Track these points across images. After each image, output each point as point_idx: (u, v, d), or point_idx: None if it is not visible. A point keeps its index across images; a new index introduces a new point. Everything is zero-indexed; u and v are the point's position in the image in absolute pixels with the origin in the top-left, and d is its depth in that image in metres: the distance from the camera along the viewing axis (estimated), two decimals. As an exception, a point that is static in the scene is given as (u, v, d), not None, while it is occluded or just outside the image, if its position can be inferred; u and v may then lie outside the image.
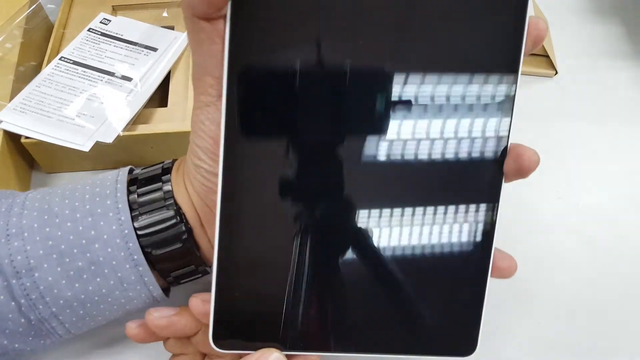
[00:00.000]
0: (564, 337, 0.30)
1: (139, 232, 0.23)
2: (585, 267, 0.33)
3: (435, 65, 0.19)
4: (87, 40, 0.38)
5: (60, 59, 0.36)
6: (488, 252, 0.21)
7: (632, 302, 0.31)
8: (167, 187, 0.24)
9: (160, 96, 0.37)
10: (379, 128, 0.20)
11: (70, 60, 0.36)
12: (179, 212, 0.23)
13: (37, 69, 0.37)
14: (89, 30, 0.38)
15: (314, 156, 0.20)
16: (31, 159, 0.35)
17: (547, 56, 0.43)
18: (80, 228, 0.22)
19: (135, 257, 0.23)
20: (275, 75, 0.19)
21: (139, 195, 0.24)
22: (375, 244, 0.21)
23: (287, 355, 0.21)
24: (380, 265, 0.21)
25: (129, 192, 0.24)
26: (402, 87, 0.19)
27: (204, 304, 0.22)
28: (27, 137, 0.33)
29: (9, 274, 0.22)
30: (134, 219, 0.23)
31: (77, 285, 0.22)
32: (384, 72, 0.19)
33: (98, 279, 0.23)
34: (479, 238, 0.21)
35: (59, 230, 0.22)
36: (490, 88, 0.20)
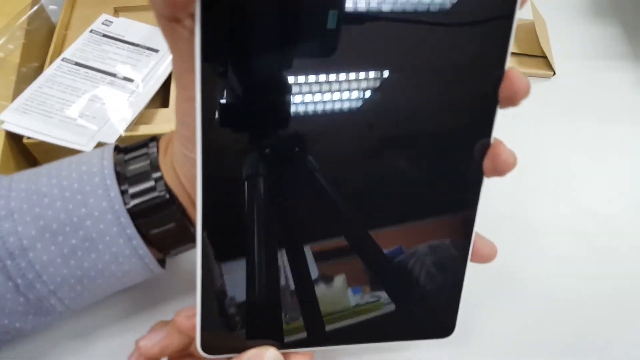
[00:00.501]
0: (563, 337, 0.30)
1: (132, 212, 0.23)
2: (583, 267, 0.33)
3: (416, 61, 0.19)
4: (89, 41, 0.38)
5: (62, 60, 0.36)
6: (468, 238, 0.22)
7: (631, 301, 0.32)
8: (156, 171, 0.24)
9: (161, 97, 0.37)
10: (356, 120, 0.20)
11: (72, 61, 0.36)
12: (169, 192, 0.24)
13: (39, 70, 0.37)
14: (90, 31, 0.39)
15: (287, 153, 0.20)
16: (33, 159, 0.35)
17: (545, 57, 0.43)
18: (71, 206, 0.23)
19: (128, 231, 0.23)
20: (246, 70, 0.19)
21: (127, 175, 0.24)
22: (356, 232, 0.21)
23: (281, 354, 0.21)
24: (360, 253, 0.21)
25: (117, 172, 0.24)
26: (379, 82, 0.19)
27: (189, 319, 0.22)
28: (29, 138, 0.33)
29: (2, 255, 0.22)
30: (124, 197, 0.23)
31: (72, 262, 0.23)
32: (362, 66, 0.19)
33: (93, 255, 0.23)
34: (459, 225, 0.22)
35: (49, 209, 0.23)
36: (474, 86, 0.20)
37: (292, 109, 0.20)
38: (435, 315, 0.23)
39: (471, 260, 0.22)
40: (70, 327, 0.29)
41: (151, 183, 0.24)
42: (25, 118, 0.33)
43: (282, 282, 0.21)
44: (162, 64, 0.37)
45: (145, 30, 0.39)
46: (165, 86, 0.37)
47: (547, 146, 0.39)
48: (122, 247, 0.23)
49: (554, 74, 0.43)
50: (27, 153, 0.34)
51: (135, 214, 0.23)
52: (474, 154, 0.21)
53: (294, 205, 0.21)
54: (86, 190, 0.23)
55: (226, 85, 0.19)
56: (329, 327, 0.22)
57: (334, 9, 0.18)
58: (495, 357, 0.30)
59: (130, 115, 0.34)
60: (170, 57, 0.37)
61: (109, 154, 0.24)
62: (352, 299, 0.22)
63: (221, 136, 0.20)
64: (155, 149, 0.25)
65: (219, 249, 0.21)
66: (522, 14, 0.46)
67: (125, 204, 0.23)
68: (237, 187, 0.20)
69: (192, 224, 0.25)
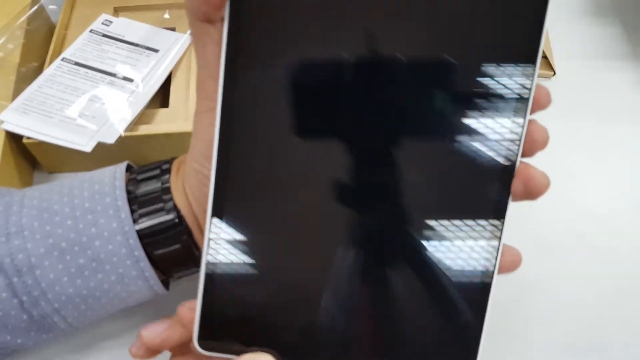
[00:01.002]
0: (563, 337, 0.30)
1: (140, 232, 0.23)
2: (583, 267, 0.33)
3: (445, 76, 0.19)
4: (89, 41, 0.38)
5: (62, 59, 0.36)
6: (491, 271, 0.20)
7: (631, 301, 0.32)
8: (166, 192, 0.24)
9: (161, 97, 0.37)
10: (382, 138, 0.19)
11: (72, 61, 0.36)
12: (178, 213, 0.24)
13: (39, 70, 0.37)
14: (90, 31, 0.39)
15: (310, 167, 0.19)
16: (33, 159, 0.35)
17: (545, 57, 0.43)
18: (81, 226, 0.23)
19: (136, 253, 0.23)
20: (273, 79, 0.19)
21: (138, 196, 0.24)
22: (377, 254, 0.20)
23: None
24: (380, 277, 0.20)
25: (128, 192, 0.24)
26: (408, 94, 0.19)
27: (191, 311, 0.21)
28: (29, 138, 0.33)
29: (10, 272, 0.22)
30: (134, 217, 0.23)
31: (78, 281, 0.23)
32: (389, 77, 0.19)
33: (99, 275, 0.23)
34: (481, 258, 0.20)
35: (60, 228, 0.23)
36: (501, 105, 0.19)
37: (325, 124, 0.19)
38: (454, 349, 0.20)
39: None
40: (70, 341, 0.29)
41: (161, 205, 0.23)
42: (25, 118, 0.33)
43: (289, 288, 0.20)
44: (162, 64, 0.37)
45: (145, 30, 0.39)
46: (165, 86, 0.37)
47: (547, 146, 0.39)
48: (129, 268, 0.23)
49: (554, 73, 0.43)
50: (27, 153, 0.34)
51: (143, 235, 0.23)
52: (499, 181, 0.19)
53: (302, 217, 0.20)
54: (97, 210, 0.23)
55: (251, 94, 0.19)
56: (339, 346, 0.20)
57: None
58: (494, 355, 0.29)
59: (130, 115, 0.34)
60: (170, 57, 0.37)
61: (120, 174, 0.24)
62: (366, 319, 0.20)
63: (237, 147, 0.19)
64: (167, 171, 0.24)
65: (225, 247, 0.20)
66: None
67: (134, 225, 0.23)
68: (249, 191, 0.20)
69: (197, 247, 0.24)
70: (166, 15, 0.41)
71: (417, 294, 0.20)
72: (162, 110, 0.36)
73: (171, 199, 0.24)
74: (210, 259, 0.20)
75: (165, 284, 0.26)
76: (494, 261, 0.20)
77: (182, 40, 0.39)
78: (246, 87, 0.19)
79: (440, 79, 0.19)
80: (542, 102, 0.20)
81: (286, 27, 0.19)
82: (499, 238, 0.20)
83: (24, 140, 0.33)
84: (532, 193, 0.20)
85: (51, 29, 0.40)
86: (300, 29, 0.19)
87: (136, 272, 0.23)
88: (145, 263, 0.23)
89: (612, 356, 0.30)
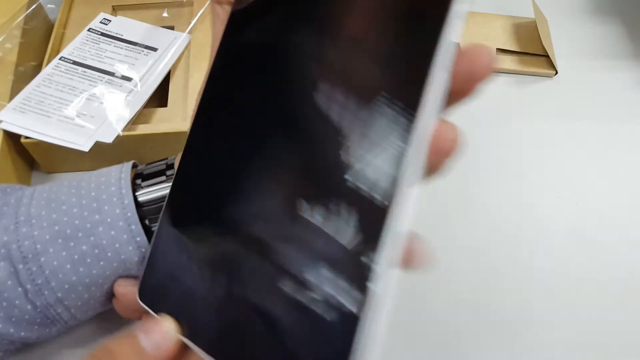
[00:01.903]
0: (563, 337, 0.30)
1: (142, 205, 0.24)
2: (584, 267, 0.33)
3: None
4: (87, 40, 0.38)
5: (60, 59, 0.36)
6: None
7: (632, 302, 0.31)
8: (171, 179, 0.24)
9: (160, 96, 0.37)
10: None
11: (70, 60, 0.36)
12: None
13: (37, 69, 0.36)
14: (89, 30, 0.38)
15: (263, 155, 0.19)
16: (31, 159, 0.35)
17: (547, 56, 0.43)
18: (86, 213, 0.23)
19: (138, 238, 0.23)
20: (264, 59, 0.19)
21: (143, 180, 0.25)
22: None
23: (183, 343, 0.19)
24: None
25: (134, 184, 0.25)
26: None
27: (122, 287, 0.23)
28: (27, 137, 0.33)
29: (16, 259, 0.22)
30: (137, 202, 0.24)
31: (81, 269, 0.23)
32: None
33: (101, 262, 0.23)
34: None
35: (66, 216, 0.23)
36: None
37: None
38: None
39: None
40: (73, 336, 0.29)
41: (164, 185, 0.24)
42: (23, 117, 0.33)
43: (221, 275, 0.19)
44: (160, 63, 0.37)
45: (143, 28, 0.39)
46: (164, 85, 0.36)
47: (549, 145, 0.39)
48: (131, 254, 0.23)
49: (556, 72, 0.43)
50: (25, 152, 0.34)
51: (144, 216, 0.24)
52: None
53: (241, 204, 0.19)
54: (102, 198, 0.24)
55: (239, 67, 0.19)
56: (231, 341, 0.18)
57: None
58: (494, 355, 0.29)
59: (128, 114, 0.33)
60: (168, 56, 0.37)
61: (127, 167, 0.25)
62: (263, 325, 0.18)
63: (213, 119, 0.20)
64: (172, 166, 0.25)
65: (180, 213, 0.20)
66: (523, 13, 0.46)
67: (137, 205, 0.24)
68: (214, 160, 0.20)
69: None
70: (165, 14, 0.41)
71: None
72: (161, 110, 0.35)
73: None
74: (164, 220, 0.20)
75: None
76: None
77: (180, 39, 0.38)
78: (235, 63, 0.20)
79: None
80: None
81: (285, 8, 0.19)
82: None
83: (22, 140, 0.33)
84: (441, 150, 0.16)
85: (49, 28, 0.40)
86: (297, 14, 0.19)
87: (138, 258, 0.23)
88: (147, 249, 0.23)
89: (614, 356, 0.29)
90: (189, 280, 0.19)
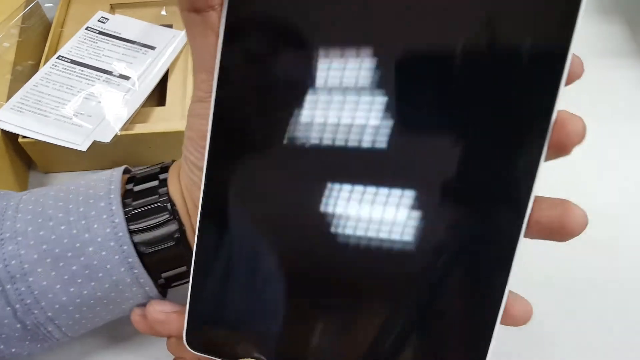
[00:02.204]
0: (563, 337, 0.30)
1: (132, 229, 0.22)
2: (585, 268, 0.33)
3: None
4: (85, 38, 0.37)
5: (57, 57, 0.36)
6: (501, 294, 0.18)
7: (633, 302, 0.31)
8: (163, 186, 0.24)
9: (158, 95, 0.37)
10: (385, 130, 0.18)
11: (68, 59, 0.36)
12: (173, 209, 0.23)
13: (35, 68, 0.36)
14: (86, 28, 0.38)
15: (304, 165, 0.19)
16: (28, 158, 0.35)
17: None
18: (74, 231, 0.22)
19: (130, 259, 0.22)
20: (268, 74, 0.19)
21: (134, 193, 0.23)
22: (373, 257, 0.19)
23: None
24: (375, 280, 0.19)
25: (125, 192, 0.24)
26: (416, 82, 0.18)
27: (159, 313, 0.22)
28: (24, 137, 0.32)
29: (3, 279, 0.22)
30: (127, 218, 0.23)
31: (71, 289, 0.22)
32: (391, 70, 0.18)
33: (92, 283, 0.22)
34: (492, 279, 0.18)
35: (53, 233, 0.22)
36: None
37: (317, 122, 0.18)
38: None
39: (503, 323, 0.19)
40: (68, 349, 0.28)
41: (156, 205, 0.23)
42: (20, 117, 0.32)
43: (282, 292, 0.19)
44: (158, 62, 0.37)
45: (141, 27, 0.39)
46: (162, 84, 0.36)
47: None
48: (123, 275, 0.22)
49: (557, 71, 0.43)
50: (22, 152, 0.34)
51: (137, 238, 0.23)
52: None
53: (298, 219, 0.19)
54: (91, 215, 0.22)
55: (246, 85, 0.19)
56: (327, 351, 0.19)
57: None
58: (495, 355, 0.29)
59: (126, 113, 0.33)
60: (167, 54, 0.37)
61: (117, 177, 0.24)
62: (357, 325, 0.19)
63: (230, 143, 0.19)
64: (166, 170, 0.24)
65: (215, 246, 0.20)
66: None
67: (129, 230, 0.22)
68: (241, 189, 0.19)
69: (189, 247, 0.23)
70: (163, 12, 0.40)
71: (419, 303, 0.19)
72: (159, 109, 0.35)
73: (167, 193, 0.23)
74: (199, 258, 0.20)
75: (162, 293, 0.25)
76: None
77: (179, 37, 0.38)
78: (240, 82, 0.19)
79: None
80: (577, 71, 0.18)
81: (284, 16, 0.18)
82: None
83: (19, 140, 0.32)
84: (566, 146, 0.18)
85: (47, 26, 0.40)
86: (295, 26, 0.18)
87: (130, 279, 0.23)
88: (139, 270, 0.23)
89: (614, 356, 0.29)
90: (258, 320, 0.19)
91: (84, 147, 0.31)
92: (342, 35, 0.18)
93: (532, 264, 0.32)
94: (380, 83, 0.18)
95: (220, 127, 0.19)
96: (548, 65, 0.17)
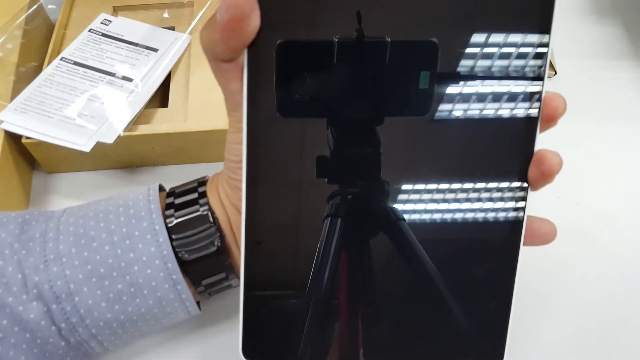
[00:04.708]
0: (563, 337, 0.30)
1: (174, 237, 0.23)
2: (584, 268, 0.33)
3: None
4: (88, 40, 0.38)
5: (61, 59, 0.36)
6: (514, 264, 0.22)
7: (633, 302, 0.31)
8: (203, 197, 0.24)
9: (160, 96, 0.37)
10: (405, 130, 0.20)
11: (71, 60, 0.36)
12: (213, 216, 0.24)
13: (38, 70, 0.37)
14: (89, 30, 0.38)
15: (339, 188, 0.20)
16: (32, 159, 0.35)
17: (547, 56, 0.43)
18: (119, 251, 0.23)
19: (174, 276, 0.23)
20: (291, 120, 0.20)
21: (176, 205, 0.24)
22: (409, 253, 0.21)
23: None
24: (411, 272, 0.21)
25: (166, 205, 0.24)
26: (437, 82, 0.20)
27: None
28: (28, 138, 0.33)
29: (49, 299, 0.22)
30: (171, 228, 0.23)
31: (116, 307, 0.23)
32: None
33: (137, 300, 0.23)
34: (504, 249, 0.22)
35: (97, 254, 0.23)
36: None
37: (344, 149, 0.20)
38: (481, 338, 0.21)
39: (527, 244, 0.23)
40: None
41: (199, 219, 0.24)
42: (23, 118, 0.33)
43: (328, 300, 0.21)
44: (161, 64, 0.37)
45: (144, 29, 0.39)
46: (164, 86, 0.36)
47: (548, 145, 0.39)
48: (167, 291, 0.23)
49: (555, 73, 0.43)
50: (26, 153, 0.34)
51: (178, 243, 0.23)
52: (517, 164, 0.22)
53: (342, 226, 0.21)
54: (135, 235, 0.23)
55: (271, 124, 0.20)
56: (376, 348, 0.21)
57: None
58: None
59: (129, 115, 0.33)
60: (169, 56, 0.37)
61: (155, 197, 0.25)
62: (398, 316, 0.21)
63: (265, 172, 0.20)
64: (204, 185, 0.25)
65: (262, 259, 0.21)
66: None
67: (173, 247, 0.23)
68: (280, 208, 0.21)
69: (230, 256, 0.24)
70: (165, 15, 0.41)
71: (447, 285, 0.21)
72: (161, 110, 0.35)
73: (207, 203, 0.24)
74: (248, 274, 0.20)
75: (198, 304, 0.26)
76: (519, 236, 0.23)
77: (181, 39, 0.38)
78: (266, 118, 0.20)
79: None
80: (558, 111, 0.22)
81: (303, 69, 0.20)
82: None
83: (23, 140, 0.33)
84: (545, 174, 0.22)
85: (50, 28, 0.40)
86: (315, 72, 0.20)
87: (173, 295, 0.23)
88: (182, 286, 0.23)
89: (614, 356, 0.29)
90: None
91: (87, 148, 0.32)
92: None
93: (532, 266, 0.33)
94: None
95: (252, 154, 0.20)
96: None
